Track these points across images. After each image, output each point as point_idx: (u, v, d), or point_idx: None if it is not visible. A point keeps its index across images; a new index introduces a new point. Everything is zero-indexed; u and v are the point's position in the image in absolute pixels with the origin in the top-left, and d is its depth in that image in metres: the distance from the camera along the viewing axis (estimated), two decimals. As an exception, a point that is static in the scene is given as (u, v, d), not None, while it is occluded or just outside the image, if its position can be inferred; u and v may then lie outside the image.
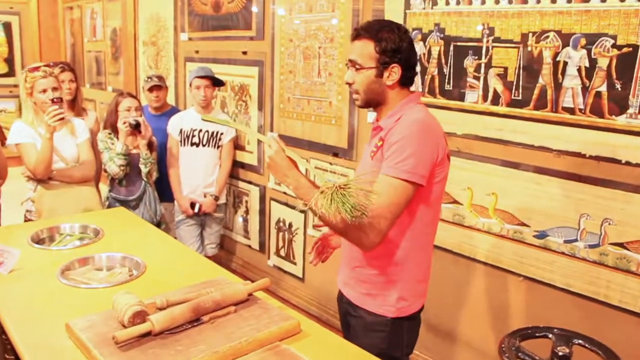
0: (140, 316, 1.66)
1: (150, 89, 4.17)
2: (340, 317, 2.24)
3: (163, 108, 4.30)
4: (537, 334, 2.12)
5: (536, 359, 1.97)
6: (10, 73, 8.19)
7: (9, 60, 8.17)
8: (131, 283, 2.15)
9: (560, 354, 1.92)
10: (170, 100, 5.07)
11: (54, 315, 1.87)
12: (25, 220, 3.34)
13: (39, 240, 2.59)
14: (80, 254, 2.41)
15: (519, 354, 1.99)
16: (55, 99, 3.08)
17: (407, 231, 1.90)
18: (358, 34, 1.90)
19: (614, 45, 2.22)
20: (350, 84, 1.94)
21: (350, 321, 2.09)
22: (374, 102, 1.94)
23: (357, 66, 1.89)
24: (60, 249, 2.52)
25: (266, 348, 1.65)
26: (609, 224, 2.29)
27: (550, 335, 2.07)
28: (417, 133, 1.81)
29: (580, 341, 2.04)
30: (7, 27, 8.16)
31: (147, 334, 1.64)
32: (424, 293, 2.09)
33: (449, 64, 2.78)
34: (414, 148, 1.78)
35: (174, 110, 4.32)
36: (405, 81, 1.92)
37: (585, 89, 2.32)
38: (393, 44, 1.85)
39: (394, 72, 1.88)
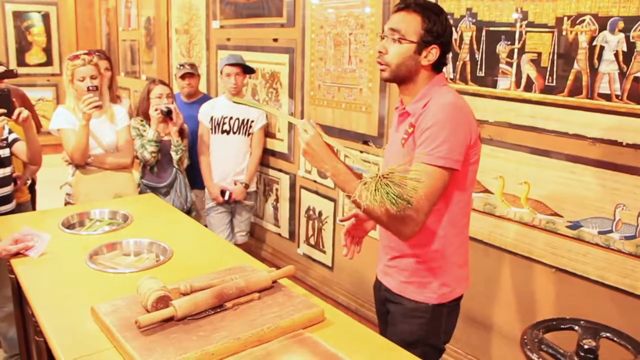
0: (163, 301, 1.66)
1: (183, 77, 4.19)
2: (377, 305, 2.21)
3: (195, 95, 4.31)
4: (563, 326, 2.05)
5: (561, 352, 1.91)
6: (48, 62, 8.34)
7: (47, 50, 8.32)
8: (157, 268, 2.17)
9: (586, 347, 1.86)
10: (202, 87, 5.08)
11: (80, 299, 1.89)
12: (65, 204, 3.47)
13: (69, 226, 2.63)
14: (109, 239, 2.44)
15: (542, 346, 1.94)
16: (90, 87, 3.11)
17: (444, 217, 1.88)
18: (407, 5, 1.85)
19: (654, 29, 2.13)
20: (382, 54, 1.86)
21: (389, 307, 2.08)
22: (402, 78, 1.88)
23: (399, 36, 1.82)
24: (90, 234, 2.55)
25: (289, 336, 1.64)
26: (646, 214, 2.22)
27: (577, 328, 2.01)
28: (449, 117, 1.77)
29: (608, 334, 1.97)
30: (46, 17, 8.30)
31: (170, 319, 1.64)
32: (467, 277, 2.08)
33: (481, 50, 2.72)
34: (447, 133, 1.74)
35: (206, 98, 4.33)
36: (438, 65, 1.89)
37: (622, 75, 2.24)
38: (440, 26, 1.83)
39: (432, 54, 1.84)
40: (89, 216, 2.75)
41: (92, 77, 3.16)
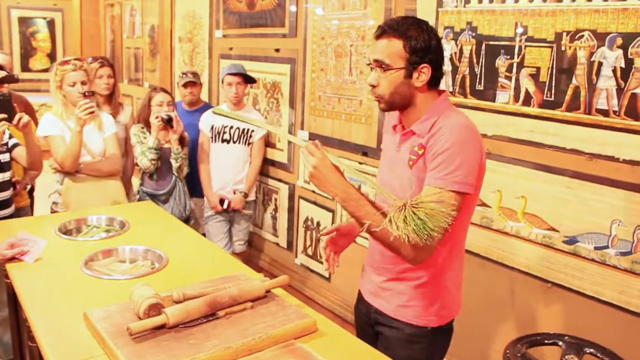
0: (155, 309, 1.67)
1: (185, 85, 4.21)
2: (362, 326, 2.11)
3: (196, 104, 4.33)
4: (547, 341, 2.05)
5: None
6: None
7: (52, 56, 8.37)
8: (152, 276, 2.17)
9: None
10: (204, 96, 5.10)
11: (74, 305, 1.89)
12: (52, 212, 3.40)
13: (66, 231, 2.63)
14: (105, 245, 2.44)
15: None
16: (86, 93, 3.12)
17: (449, 239, 1.79)
18: (383, 31, 1.77)
19: (651, 46, 2.14)
20: (374, 87, 1.80)
21: (383, 331, 1.99)
22: (399, 105, 1.83)
23: (384, 67, 1.76)
24: (86, 240, 2.55)
25: (280, 345, 1.63)
26: (642, 230, 2.22)
27: (560, 343, 2.01)
28: (464, 140, 1.73)
29: (591, 350, 1.97)
30: (51, 23, 8.36)
31: (162, 327, 1.64)
32: (461, 298, 2.04)
33: (480, 64, 2.73)
34: (463, 157, 1.70)
35: (207, 107, 4.34)
36: (434, 82, 1.82)
37: (620, 91, 2.24)
38: (423, 43, 1.74)
39: (424, 73, 1.77)
40: (86, 222, 2.75)
41: (82, 83, 3.16)
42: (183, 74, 4.26)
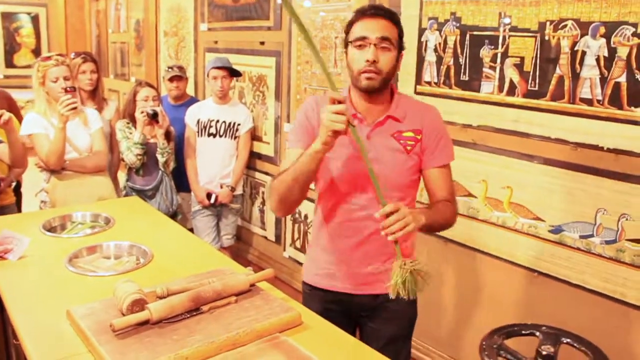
0: (138, 304, 1.65)
1: (171, 79, 4.18)
2: (344, 321, 1.99)
3: (182, 98, 4.30)
4: (524, 332, 2.06)
5: (519, 358, 1.91)
6: (37, 64, 8.29)
7: (36, 52, 8.27)
8: (137, 271, 2.15)
9: (544, 353, 1.86)
10: (190, 90, 5.07)
11: (58, 302, 1.87)
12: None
13: (50, 229, 2.60)
14: (90, 242, 2.41)
15: (501, 352, 1.93)
16: (68, 89, 3.07)
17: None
18: (383, 14, 1.83)
19: (634, 34, 2.14)
20: (373, 62, 1.79)
21: (376, 314, 2.05)
22: (386, 84, 1.87)
23: (389, 45, 1.80)
24: (71, 237, 2.53)
25: (265, 339, 1.63)
26: (627, 219, 2.22)
27: (538, 333, 2.01)
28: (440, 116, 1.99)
29: (568, 340, 1.98)
30: (35, 19, 8.26)
31: (146, 323, 1.63)
32: None
33: (464, 54, 2.72)
34: (446, 131, 1.97)
35: (193, 101, 4.32)
36: None
37: (603, 80, 2.25)
38: (402, 33, 1.87)
39: (401, 59, 1.90)
40: (70, 219, 2.72)
41: (65, 78, 3.12)
42: (169, 68, 4.23)
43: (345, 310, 2.07)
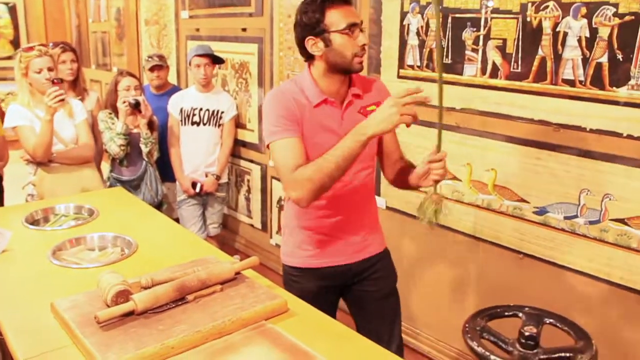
0: (123, 295, 1.64)
1: (151, 69, 4.14)
2: (332, 292, 2.21)
3: (164, 87, 4.26)
4: (507, 313, 2.07)
5: (502, 339, 1.92)
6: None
7: (15, 43, 8.16)
8: (121, 263, 2.13)
9: (527, 334, 1.87)
10: (172, 79, 5.03)
11: (42, 296, 1.85)
12: None
13: (33, 221, 2.57)
14: (73, 234, 2.39)
15: (484, 334, 1.95)
16: (55, 80, 3.03)
17: None
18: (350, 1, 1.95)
19: (615, 14, 2.14)
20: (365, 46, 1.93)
21: (373, 275, 2.19)
22: None
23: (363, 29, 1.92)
24: (54, 230, 2.50)
25: (251, 327, 1.62)
26: (610, 199, 2.24)
27: (521, 314, 2.03)
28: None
29: (551, 320, 2.00)
30: (13, 9, 8.14)
31: (130, 314, 1.61)
32: None
33: (447, 37, 2.71)
34: None
35: (175, 90, 4.28)
36: None
37: (585, 60, 2.25)
38: None
39: None
40: (53, 211, 2.69)
41: (49, 69, 3.08)
42: (148, 57, 4.18)
43: (340, 283, 2.19)
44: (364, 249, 2.16)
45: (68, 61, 3.79)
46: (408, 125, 1.72)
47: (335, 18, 1.87)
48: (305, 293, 2.01)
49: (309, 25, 1.89)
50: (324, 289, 2.16)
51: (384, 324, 2.24)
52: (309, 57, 1.97)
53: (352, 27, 1.87)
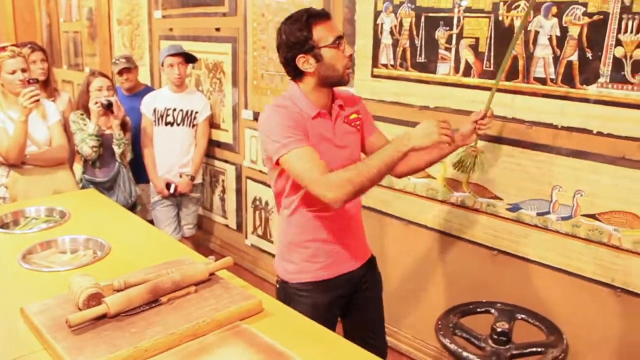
0: (95, 298, 1.61)
1: (120, 72, 4.08)
2: (340, 297, 2.21)
3: (135, 88, 4.22)
4: (479, 310, 2.09)
5: (475, 336, 1.94)
6: (-14, 56, 8.02)
7: (-16, 43, 8.01)
8: (94, 265, 2.10)
9: (499, 330, 1.89)
10: (145, 79, 4.99)
11: (12, 301, 1.82)
12: None
13: (2, 225, 2.52)
14: (44, 237, 2.35)
15: (456, 331, 1.96)
16: (30, 80, 2.99)
17: None
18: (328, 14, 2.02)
19: (584, 13, 2.17)
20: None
21: (369, 277, 2.26)
22: None
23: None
24: (25, 233, 2.46)
25: (225, 328, 1.61)
26: (581, 195, 2.26)
27: (493, 311, 2.05)
28: None
29: (523, 316, 2.02)
30: (-20, 9, 7.99)
31: (103, 317, 1.59)
32: None
33: (420, 36, 2.72)
34: None
35: (148, 90, 4.25)
36: None
37: (556, 59, 2.28)
38: None
39: None
40: (23, 214, 2.64)
41: (23, 70, 3.04)
42: (116, 60, 4.11)
43: (347, 292, 2.21)
44: (362, 253, 2.24)
45: (38, 61, 3.74)
46: (447, 144, 1.89)
47: (322, 33, 1.92)
48: (318, 307, 2.09)
49: (297, 43, 1.92)
50: (335, 300, 2.18)
51: (379, 327, 2.34)
52: (296, 75, 2.01)
53: (339, 40, 1.94)
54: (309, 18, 1.92)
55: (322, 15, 1.95)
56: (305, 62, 1.94)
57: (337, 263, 2.15)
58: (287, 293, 2.16)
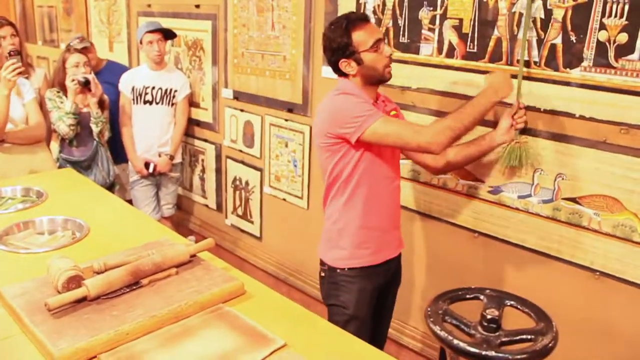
0: (75, 281, 1.59)
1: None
2: (377, 288, 2.32)
3: (99, 65, 4.15)
4: (468, 296, 2.10)
5: (464, 322, 1.95)
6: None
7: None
8: (73, 247, 2.08)
9: (489, 316, 1.90)
10: (122, 57, 4.91)
11: (-12, 282, 1.79)
12: None
13: (-23, 205, 2.48)
14: (21, 217, 2.32)
15: (446, 317, 1.97)
16: (12, 52, 2.92)
17: None
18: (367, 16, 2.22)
19: (569, -4, 2.16)
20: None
21: (398, 268, 2.43)
22: None
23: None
24: (0, 213, 2.41)
25: (208, 310, 1.60)
26: (562, 179, 2.27)
27: (482, 297, 2.05)
28: None
29: (512, 302, 2.03)
30: (-51, -18, 7.76)
31: (83, 300, 1.57)
32: None
33: (403, 16, 2.70)
34: None
35: (111, 64, 4.21)
36: None
37: (540, 41, 2.26)
38: None
39: None
40: (-1, 194, 2.60)
41: None
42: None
43: (385, 280, 2.34)
44: (400, 242, 2.39)
45: (8, 36, 3.63)
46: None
47: (361, 38, 2.06)
48: (364, 293, 2.23)
49: (339, 49, 2.08)
50: (378, 286, 2.30)
51: (388, 318, 2.55)
52: (343, 75, 2.17)
53: (377, 43, 2.08)
54: (348, 24, 2.06)
55: (361, 20, 2.09)
56: (347, 66, 2.10)
57: (382, 249, 2.27)
58: (335, 280, 2.25)
